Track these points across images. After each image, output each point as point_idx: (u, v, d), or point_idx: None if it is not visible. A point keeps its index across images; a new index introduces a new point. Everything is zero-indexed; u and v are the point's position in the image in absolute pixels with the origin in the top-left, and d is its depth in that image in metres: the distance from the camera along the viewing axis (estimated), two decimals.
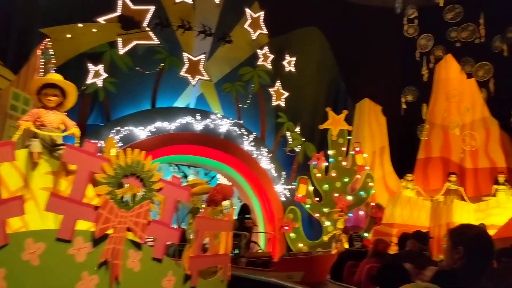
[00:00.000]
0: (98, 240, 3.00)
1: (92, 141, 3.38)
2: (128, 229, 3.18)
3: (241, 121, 14.21)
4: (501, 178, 12.79)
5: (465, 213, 12.17)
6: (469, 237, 2.64)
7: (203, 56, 13.47)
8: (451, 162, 14.49)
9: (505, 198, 12.42)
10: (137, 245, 3.24)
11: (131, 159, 3.28)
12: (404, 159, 15.50)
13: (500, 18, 13.02)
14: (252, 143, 14.04)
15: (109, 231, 3.06)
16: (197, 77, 13.33)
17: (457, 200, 12.63)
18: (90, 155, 3.14)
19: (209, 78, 13.66)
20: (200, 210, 8.29)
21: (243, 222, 9.92)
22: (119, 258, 3.06)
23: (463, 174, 13.99)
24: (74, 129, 4.31)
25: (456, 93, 14.58)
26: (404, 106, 14.50)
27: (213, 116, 13.53)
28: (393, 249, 8.47)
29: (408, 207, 13.15)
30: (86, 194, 3.75)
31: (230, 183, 14.31)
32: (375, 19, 15.69)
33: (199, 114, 13.20)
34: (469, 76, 14.12)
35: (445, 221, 12.16)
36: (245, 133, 13.98)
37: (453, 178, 13.46)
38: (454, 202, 12.43)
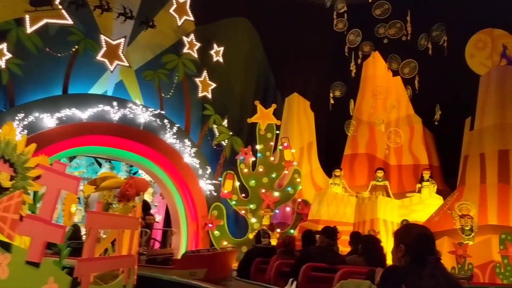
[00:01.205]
0: None
1: None
2: None
3: (164, 112, 13.37)
4: (426, 174, 13.00)
5: (389, 209, 12.27)
6: (411, 235, 2.74)
7: (122, 40, 12.51)
8: (376, 158, 14.60)
9: (428, 195, 12.64)
10: (5, 247, 2.54)
11: None
12: (331, 155, 15.53)
13: (426, 16, 13.29)
14: (175, 136, 13.26)
15: None
16: (116, 62, 12.35)
17: (381, 196, 12.73)
18: None
19: (128, 65, 12.75)
20: (114, 207, 7.46)
21: (144, 219, 9.34)
22: None
23: (388, 171, 14.11)
24: None
25: (383, 90, 14.72)
26: (332, 101, 14.50)
27: (132, 105, 12.60)
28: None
29: (334, 203, 13.12)
30: None
31: (150, 178, 13.52)
32: (305, 13, 15.65)
33: (116, 103, 12.22)
34: (395, 73, 14.31)
35: (370, 217, 12.19)
36: (168, 124, 13.18)
37: (380, 173, 13.52)
38: (379, 198, 12.52)
